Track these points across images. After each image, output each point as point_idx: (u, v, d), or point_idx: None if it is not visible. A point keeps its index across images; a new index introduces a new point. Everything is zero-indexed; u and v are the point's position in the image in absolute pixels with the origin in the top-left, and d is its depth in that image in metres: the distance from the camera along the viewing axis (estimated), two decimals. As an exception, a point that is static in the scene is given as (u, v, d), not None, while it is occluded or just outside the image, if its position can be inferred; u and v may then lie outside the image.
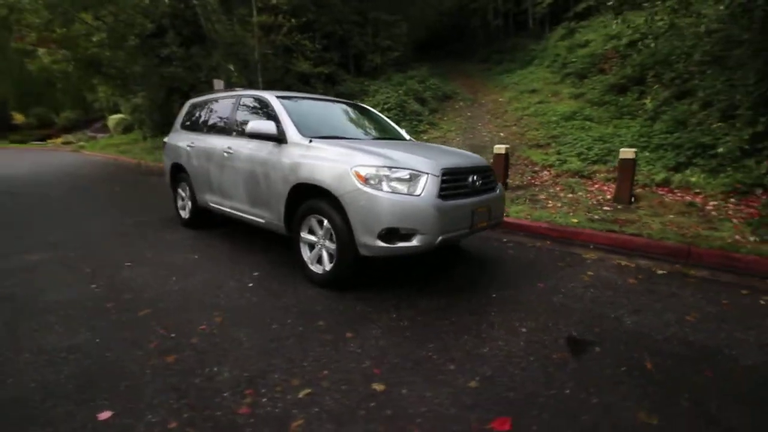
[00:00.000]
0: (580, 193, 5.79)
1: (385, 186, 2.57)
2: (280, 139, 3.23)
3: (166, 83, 11.92)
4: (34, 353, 2.09)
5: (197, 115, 4.68)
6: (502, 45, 19.47)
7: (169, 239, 4.30)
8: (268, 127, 3.21)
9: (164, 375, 1.91)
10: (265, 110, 3.66)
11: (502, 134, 9.94)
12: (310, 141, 3.06)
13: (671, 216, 4.45)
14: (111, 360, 2.04)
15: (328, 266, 2.89)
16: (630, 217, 4.49)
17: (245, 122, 3.80)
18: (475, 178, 2.97)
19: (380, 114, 4.74)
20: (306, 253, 3.07)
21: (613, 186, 5.56)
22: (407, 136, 4.25)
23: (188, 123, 4.84)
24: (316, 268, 3.00)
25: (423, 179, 2.63)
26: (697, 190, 5.11)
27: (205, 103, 4.61)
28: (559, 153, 7.86)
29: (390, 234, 2.56)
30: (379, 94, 12.40)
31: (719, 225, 4.11)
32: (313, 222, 2.97)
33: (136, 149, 16.68)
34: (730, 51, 6.81)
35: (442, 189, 2.68)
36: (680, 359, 2.09)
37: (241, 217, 3.75)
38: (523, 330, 2.38)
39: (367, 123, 4.11)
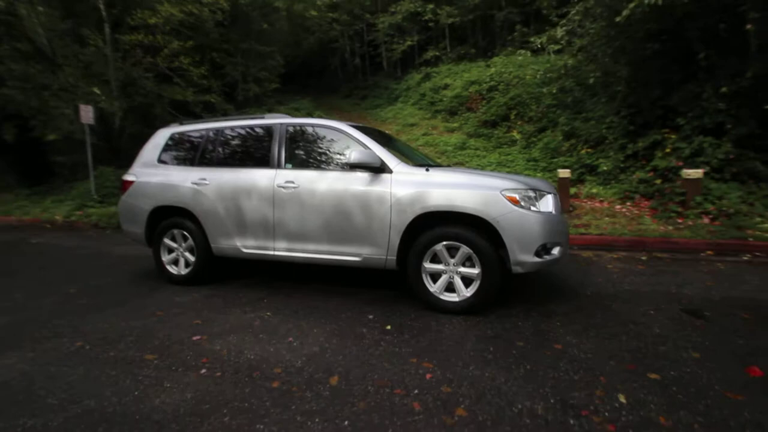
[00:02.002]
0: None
1: (532, 206, 2.83)
2: (382, 169, 3.09)
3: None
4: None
5: (196, 146, 3.89)
6: (362, 83, 21.25)
7: (188, 301, 3.41)
8: (372, 157, 3.05)
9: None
10: (330, 139, 3.43)
11: (410, 162, 10.89)
12: (427, 169, 3.06)
13: (607, 218, 5.87)
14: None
15: (466, 293, 2.92)
16: (583, 222, 5.73)
17: (309, 153, 3.49)
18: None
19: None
20: (430, 284, 3.00)
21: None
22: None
23: (174, 156, 3.97)
24: (448, 297, 2.97)
25: (550, 198, 2.99)
26: (601, 198, 6.84)
27: (208, 132, 3.88)
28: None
29: (542, 249, 2.82)
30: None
31: (641, 221, 5.67)
32: (441, 250, 2.95)
33: None
34: (578, 96, 9.35)
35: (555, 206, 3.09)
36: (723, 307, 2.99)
37: (312, 259, 3.34)
38: (643, 308, 2.95)
39: (408, 149, 4.19)
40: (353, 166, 3.10)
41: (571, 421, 1.72)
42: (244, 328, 2.83)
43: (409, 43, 19.27)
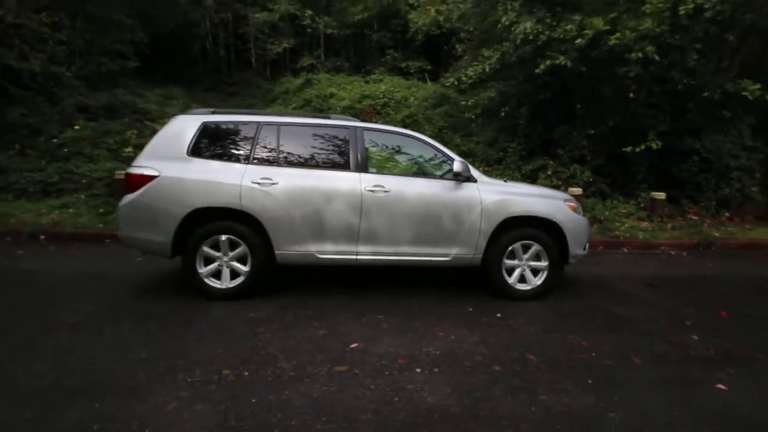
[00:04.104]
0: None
1: (580, 213, 3.76)
2: (468, 178, 3.53)
3: None
4: None
5: (247, 141, 3.44)
6: (227, 77, 19.65)
7: (269, 316, 3.10)
8: (466, 168, 3.47)
9: None
10: (408, 147, 3.66)
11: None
12: (506, 181, 3.65)
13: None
14: None
15: (536, 282, 3.63)
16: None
17: (389, 158, 3.61)
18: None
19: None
20: (506, 276, 3.60)
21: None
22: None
23: (215, 150, 3.43)
24: (521, 287, 3.62)
25: (580, 207, 3.98)
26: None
27: (261, 126, 3.48)
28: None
29: (586, 244, 3.77)
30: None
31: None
32: (518, 248, 3.59)
33: None
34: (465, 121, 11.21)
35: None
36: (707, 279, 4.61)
37: (398, 261, 3.49)
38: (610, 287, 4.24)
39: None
40: (456, 175, 3.45)
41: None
42: (381, 333, 2.86)
43: (285, 45, 18.88)
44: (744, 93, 5.86)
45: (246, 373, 2.22)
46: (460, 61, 13.74)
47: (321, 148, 3.58)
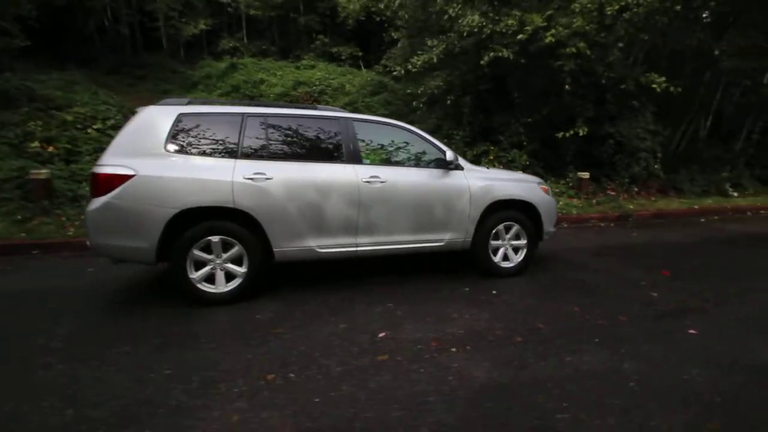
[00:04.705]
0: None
1: (550, 194, 4.16)
2: (457, 165, 3.71)
3: None
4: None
5: (232, 134, 3.21)
6: (133, 59, 17.56)
7: (274, 318, 3.01)
8: (456, 157, 3.63)
9: None
10: (396, 137, 3.73)
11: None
12: (488, 168, 3.88)
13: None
14: None
15: (517, 259, 3.97)
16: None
17: (380, 149, 3.64)
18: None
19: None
20: (492, 255, 3.88)
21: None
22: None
23: (195, 144, 3.16)
24: (505, 264, 3.93)
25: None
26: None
27: (246, 118, 3.27)
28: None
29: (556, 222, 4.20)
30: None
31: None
32: (501, 229, 3.89)
33: None
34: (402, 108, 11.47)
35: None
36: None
37: (396, 249, 3.58)
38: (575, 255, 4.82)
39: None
40: (448, 163, 3.60)
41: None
42: (400, 320, 2.96)
43: (203, 26, 17.38)
44: (653, 85, 6.86)
45: (292, 375, 2.17)
46: (393, 49, 13.91)
47: (312, 140, 3.49)
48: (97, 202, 2.93)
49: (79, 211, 5.94)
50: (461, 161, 3.81)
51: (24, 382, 2.10)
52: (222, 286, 3.18)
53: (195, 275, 3.10)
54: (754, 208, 8.36)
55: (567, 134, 7.73)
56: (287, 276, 3.88)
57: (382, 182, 3.46)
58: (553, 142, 8.55)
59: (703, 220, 7.50)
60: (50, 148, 7.44)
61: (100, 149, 8.00)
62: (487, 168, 4.22)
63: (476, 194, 3.73)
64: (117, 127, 8.77)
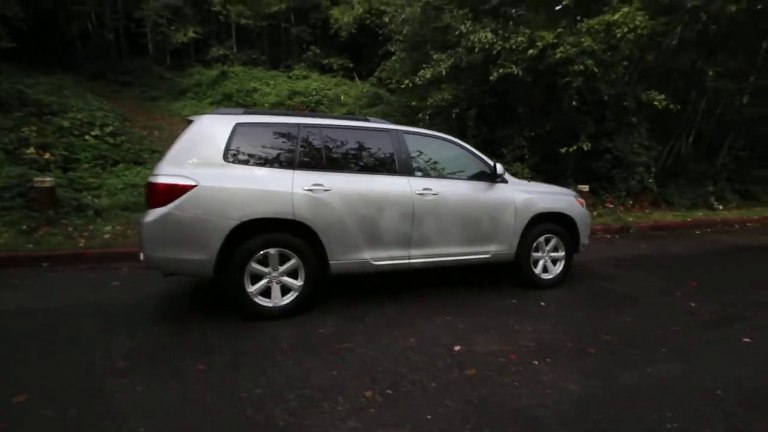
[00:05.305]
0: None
1: (584, 206, 4.28)
2: (503, 179, 3.78)
3: None
4: None
5: (289, 145, 3.17)
6: (118, 65, 17.06)
7: (338, 332, 2.96)
8: (503, 170, 3.70)
9: None
10: (445, 149, 3.77)
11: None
12: (529, 181, 3.96)
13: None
14: None
15: (556, 271, 4.04)
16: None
17: (428, 161, 3.68)
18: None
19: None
20: (533, 267, 3.95)
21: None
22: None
23: (255, 155, 3.10)
24: (546, 276, 4.00)
25: (581, 202, 4.52)
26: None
27: (300, 128, 3.24)
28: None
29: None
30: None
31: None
32: (542, 241, 3.96)
33: None
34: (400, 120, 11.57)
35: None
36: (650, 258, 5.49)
37: (445, 261, 3.58)
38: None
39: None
40: (497, 177, 3.66)
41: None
42: (466, 333, 2.97)
43: (192, 34, 17.09)
44: (655, 102, 7.22)
45: (389, 392, 2.13)
46: (387, 61, 14.09)
47: (365, 152, 3.48)
48: (156, 213, 2.82)
49: (86, 221, 5.67)
50: (507, 175, 3.89)
51: (107, 408, 1.97)
52: (278, 300, 3.09)
53: (252, 289, 3.01)
54: (741, 221, 8.85)
55: (571, 149, 7.99)
56: (330, 289, 3.81)
57: (434, 194, 3.48)
58: (554, 156, 8.81)
59: (698, 232, 7.87)
60: (47, 155, 7.10)
61: (99, 157, 7.71)
62: (528, 181, 4.31)
63: (520, 207, 3.80)
64: (116, 134, 8.51)
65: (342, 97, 14.08)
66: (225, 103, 14.84)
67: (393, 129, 3.61)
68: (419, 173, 3.57)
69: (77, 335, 2.79)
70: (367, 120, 3.67)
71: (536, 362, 2.48)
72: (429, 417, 1.92)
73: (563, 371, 2.38)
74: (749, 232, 8.00)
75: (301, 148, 3.23)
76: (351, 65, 17.51)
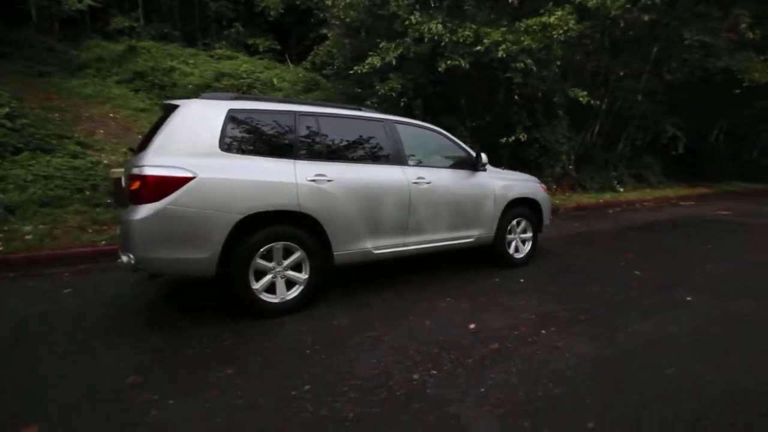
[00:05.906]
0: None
1: (545, 191, 4.73)
2: (485, 167, 4.01)
3: None
4: None
5: (287, 133, 3.01)
6: (-9, 32, 14.24)
7: (358, 322, 2.96)
8: (486, 159, 3.93)
9: None
10: (431, 139, 3.89)
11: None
12: (503, 168, 4.25)
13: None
14: None
15: (525, 251, 4.44)
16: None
17: (419, 151, 3.77)
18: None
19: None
20: (508, 248, 4.29)
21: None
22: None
23: (251, 143, 2.91)
24: (518, 255, 4.38)
25: (540, 186, 4.96)
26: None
27: (297, 116, 3.10)
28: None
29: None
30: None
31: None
32: (514, 224, 4.31)
33: None
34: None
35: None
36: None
37: (436, 247, 3.74)
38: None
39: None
40: (481, 165, 3.88)
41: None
42: (471, 312, 3.17)
43: (89, 1, 14.84)
44: (579, 98, 8.13)
45: (434, 372, 2.22)
46: (321, 46, 13.80)
47: (361, 142, 3.45)
48: (147, 210, 2.51)
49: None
50: (486, 162, 4.14)
51: (148, 428, 1.77)
52: (284, 295, 2.98)
53: (257, 285, 2.85)
54: (639, 200, 10.45)
55: (509, 140, 8.65)
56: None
57: (427, 183, 3.60)
58: (492, 146, 9.47)
59: (610, 211, 9.13)
60: None
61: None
62: (501, 169, 4.62)
63: (499, 193, 4.10)
64: (13, 117, 7.17)
65: (275, 81, 13.40)
66: (137, 82, 13.23)
67: (386, 119, 3.62)
68: (412, 162, 3.65)
69: (66, 351, 2.41)
70: (360, 110, 3.63)
71: (543, 332, 2.76)
72: (482, 390, 2.05)
73: (570, 337, 2.68)
74: (649, 210, 9.47)
75: (300, 138, 3.10)
76: (279, 47, 16.69)
